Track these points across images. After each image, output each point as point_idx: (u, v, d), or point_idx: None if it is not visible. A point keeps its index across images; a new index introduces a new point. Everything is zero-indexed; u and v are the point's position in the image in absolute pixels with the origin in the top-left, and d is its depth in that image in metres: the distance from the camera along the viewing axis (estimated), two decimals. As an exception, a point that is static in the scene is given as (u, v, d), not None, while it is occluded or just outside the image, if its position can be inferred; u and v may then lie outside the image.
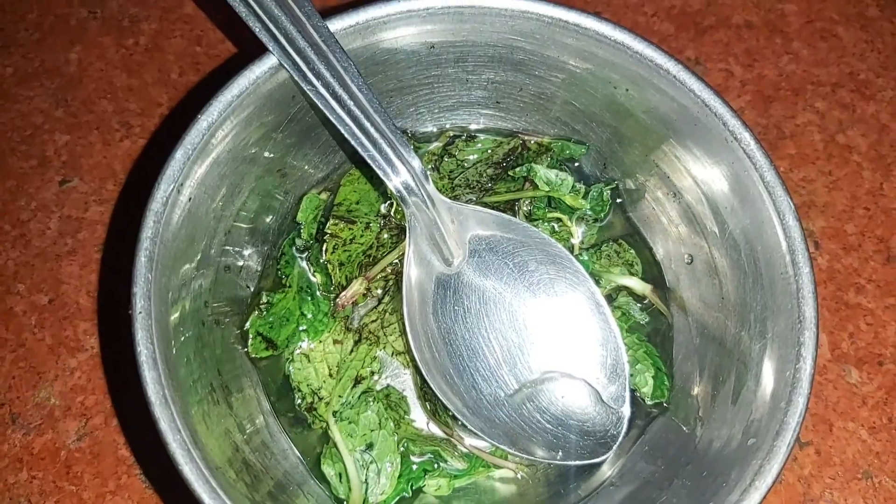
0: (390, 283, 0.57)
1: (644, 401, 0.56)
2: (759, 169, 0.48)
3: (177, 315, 0.46)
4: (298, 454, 0.54)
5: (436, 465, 0.54)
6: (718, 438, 0.49)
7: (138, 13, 0.73)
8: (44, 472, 0.58)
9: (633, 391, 0.55)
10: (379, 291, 0.57)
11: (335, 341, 0.55)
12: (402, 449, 0.53)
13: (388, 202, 0.59)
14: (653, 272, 0.59)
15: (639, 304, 0.59)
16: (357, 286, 0.55)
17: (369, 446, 0.52)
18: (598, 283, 0.56)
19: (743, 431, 0.47)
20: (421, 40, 0.52)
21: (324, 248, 0.56)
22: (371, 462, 0.52)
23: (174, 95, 0.70)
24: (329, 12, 0.49)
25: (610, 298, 0.58)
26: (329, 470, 0.52)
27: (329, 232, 0.56)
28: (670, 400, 0.55)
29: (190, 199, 0.47)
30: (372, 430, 0.52)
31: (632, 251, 0.59)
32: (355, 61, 0.48)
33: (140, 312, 0.43)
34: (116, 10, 0.73)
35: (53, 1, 0.74)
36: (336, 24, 0.48)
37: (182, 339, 0.47)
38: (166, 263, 0.45)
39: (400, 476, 0.53)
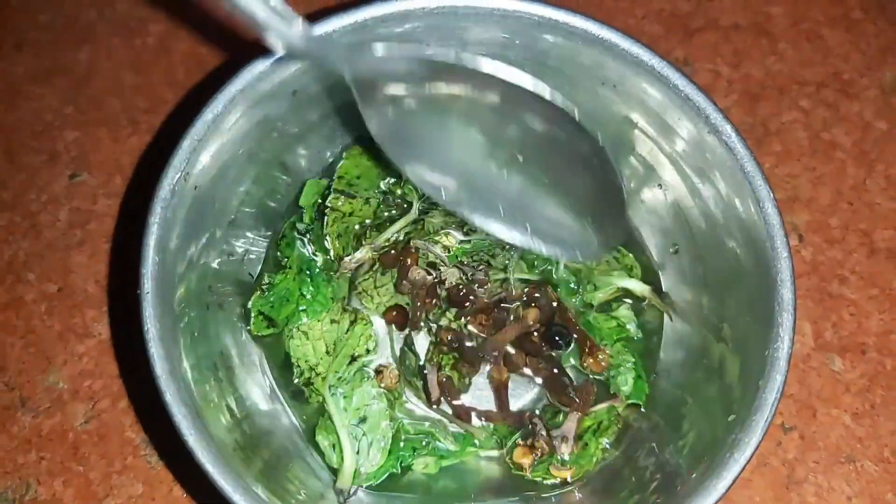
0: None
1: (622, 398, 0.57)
2: (740, 159, 0.50)
3: (182, 296, 0.49)
4: (297, 425, 0.57)
5: (424, 443, 0.56)
6: (701, 417, 0.51)
7: (146, 14, 0.76)
8: (52, 454, 0.60)
9: (607, 385, 0.57)
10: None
11: (332, 321, 0.57)
12: (394, 429, 0.55)
13: (389, 179, 0.60)
14: (649, 277, 0.61)
15: (636, 321, 0.60)
16: (365, 253, 0.58)
17: (362, 420, 0.54)
18: (596, 287, 0.58)
19: (723, 409, 0.48)
20: (417, 38, 0.54)
21: (325, 221, 0.58)
22: (363, 435, 0.54)
23: (180, 93, 0.72)
24: (328, 12, 0.51)
25: (609, 306, 0.59)
26: (323, 440, 0.55)
27: (329, 206, 0.58)
28: (647, 404, 0.57)
29: (196, 187, 0.49)
30: (365, 405, 0.55)
31: (630, 255, 0.60)
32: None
33: (147, 292, 0.45)
34: (125, 12, 0.76)
35: (64, 2, 0.76)
36: (335, 23, 0.51)
37: (187, 318, 0.49)
38: (172, 247, 0.48)
39: (390, 453, 0.55)
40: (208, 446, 0.43)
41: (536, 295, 0.57)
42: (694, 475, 0.46)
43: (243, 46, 0.74)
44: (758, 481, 0.61)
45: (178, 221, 0.48)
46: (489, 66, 0.43)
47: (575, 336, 0.57)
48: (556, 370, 0.56)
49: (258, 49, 0.50)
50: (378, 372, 0.56)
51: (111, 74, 0.73)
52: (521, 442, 0.54)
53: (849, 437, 0.62)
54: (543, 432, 0.54)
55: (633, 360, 0.57)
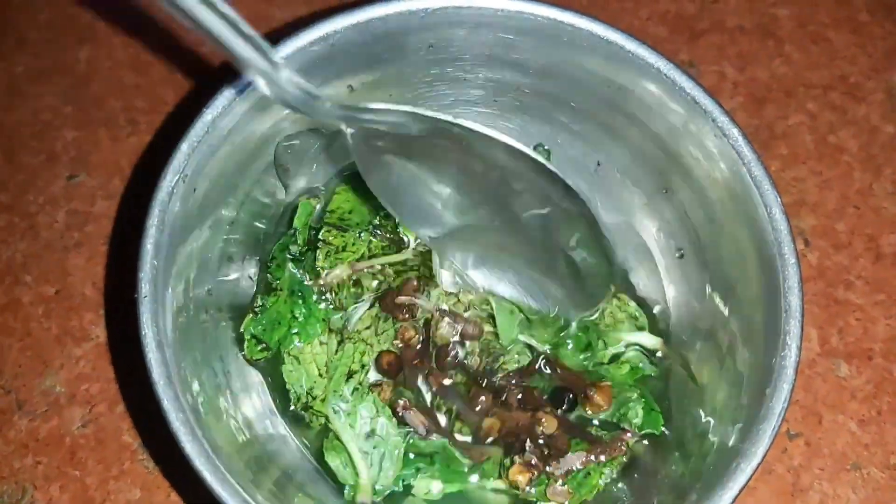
0: (382, 284, 0.58)
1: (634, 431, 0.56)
2: (747, 164, 0.49)
3: (181, 300, 0.48)
4: (302, 448, 0.56)
5: (432, 461, 0.54)
6: (708, 425, 0.50)
7: (146, 14, 0.75)
8: (48, 458, 0.60)
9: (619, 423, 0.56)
10: (374, 284, 0.58)
11: (320, 342, 0.56)
12: (405, 441, 0.54)
13: (380, 214, 0.60)
14: (655, 325, 0.59)
15: (648, 358, 0.58)
16: (340, 270, 0.57)
17: (371, 433, 0.53)
18: (606, 345, 0.57)
19: (730, 418, 0.48)
20: (420, 39, 0.54)
21: (317, 255, 0.58)
22: (374, 448, 0.53)
23: (181, 94, 0.72)
24: (330, 11, 0.50)
25: (616, 357, 0.58)
26: (334, 460, 0.53)
27: (322, 239, 0.58)
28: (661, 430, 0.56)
29: (194, 189, 0.48)
30: (371, 418, 0.54)
31: (632, 304, 0.59)
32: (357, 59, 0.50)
33: (145, 296, 0.44)
34: (125, 11, 0.75)
35: (64, 2, 0.76)
36: (337, 23, 0.50)
37: (185, 323, 0.48)
38: (170, 251, 0.47)
39: (404, 466, 0.54)
40: (206, 454, 0.42)
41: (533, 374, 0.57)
42: (699, 485, 0.45)
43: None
44: (763, 489, 0.60)
45: (177, 225, 0.47)
46: (476, 126, 0.45)
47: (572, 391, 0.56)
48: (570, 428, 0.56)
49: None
50: (376, 385, 0.55)
51: (111, 74, 0.73)
52: (518, 459, 0.53)
53: (855, 443, 0.62)
54: (534, 451, 0.54)
55: (640, 392, 0.56)
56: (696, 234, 0.55)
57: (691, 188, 0.54)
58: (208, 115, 0.48)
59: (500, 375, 0.56)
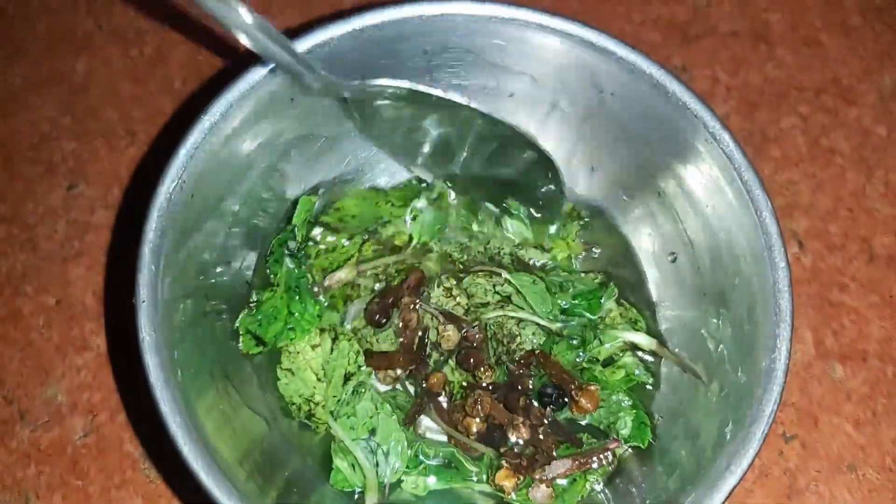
0: (381, 285, 0.59)
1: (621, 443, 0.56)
2: (738, 168, 0.50)
3: (178, 305, 0.48)
4: (304, 456, 0.56)
5: (419, 464, 0.55)
6: (699, 428, 0.51)
7: (143, 25, 0.76)
8: (51, 468, 0.60)
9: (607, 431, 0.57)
10: (376, 286, 0.59)
11: (313, 346, 0.56)
12: (415, 451, 0.55)
13: (380, 221, 0.61)
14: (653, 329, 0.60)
15: (643, 364, 0.58)
16: (345, 273, 0.58)
17: (372, 432, 0.54)
18: (602, 342, 0.57)
19: (720, 421, 0.48)
20: (415, 45, 0.54)
21: (308, 252, 0.59)
22: (378, 446, 0.54)
23: (177, 103, 0.72)
24: (327, 18, 0.51)
25: (612, 360, 0.58)
26: (341, 463, 0.54)
27: (312, 238, 0.59)
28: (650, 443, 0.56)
29: (192, 195, 0.49)
30: (371, 417, 0.54)
31: (634, 310, 0.60)
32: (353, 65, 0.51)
33: (143, 301, 0.45)
34: (122, 22, 0.76)
35: (61, 12, 0.76)
36: (333, 31, 0.51)
37: (184, 327, 0.49)
38: (169, 256, 0.47)
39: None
40: (204, 455, 0.42)
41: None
42: (689, 488, 0.46)
43: (241, 55, 0.74)
44: (759, 492, 0.60)
45: (175, 230, 0.48)
46: (439, 93, 0.52)
47: (563, 388, 0.56)
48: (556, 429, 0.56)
49: (256, 57, 0.50)
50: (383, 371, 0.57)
51: (108, 84, 0.73)
52: (505, 463, 0.54)
53: (850, 445, 0.62)
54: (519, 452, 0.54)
55: (632, 403, 0.56)
56: (688, 237, 0.56)
57: (683, 192, 0.55)
58: (206, 121, 0.49)
59: (517, 356, 0.57)
